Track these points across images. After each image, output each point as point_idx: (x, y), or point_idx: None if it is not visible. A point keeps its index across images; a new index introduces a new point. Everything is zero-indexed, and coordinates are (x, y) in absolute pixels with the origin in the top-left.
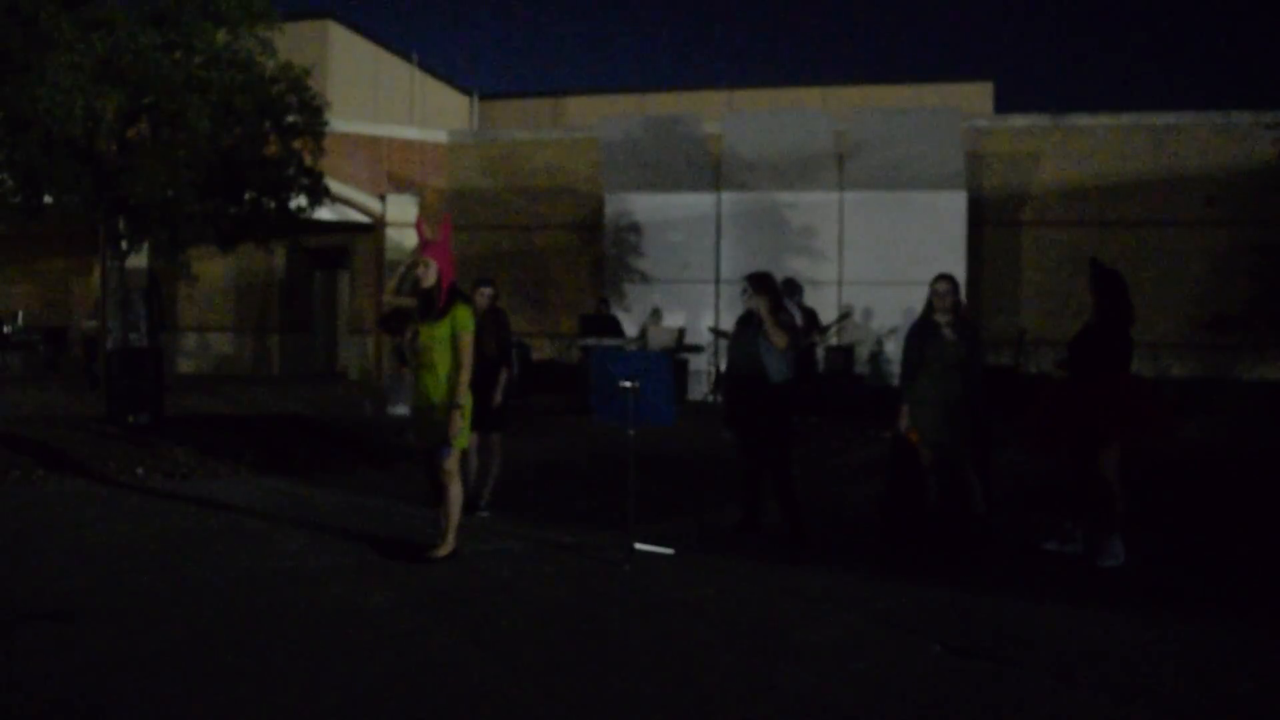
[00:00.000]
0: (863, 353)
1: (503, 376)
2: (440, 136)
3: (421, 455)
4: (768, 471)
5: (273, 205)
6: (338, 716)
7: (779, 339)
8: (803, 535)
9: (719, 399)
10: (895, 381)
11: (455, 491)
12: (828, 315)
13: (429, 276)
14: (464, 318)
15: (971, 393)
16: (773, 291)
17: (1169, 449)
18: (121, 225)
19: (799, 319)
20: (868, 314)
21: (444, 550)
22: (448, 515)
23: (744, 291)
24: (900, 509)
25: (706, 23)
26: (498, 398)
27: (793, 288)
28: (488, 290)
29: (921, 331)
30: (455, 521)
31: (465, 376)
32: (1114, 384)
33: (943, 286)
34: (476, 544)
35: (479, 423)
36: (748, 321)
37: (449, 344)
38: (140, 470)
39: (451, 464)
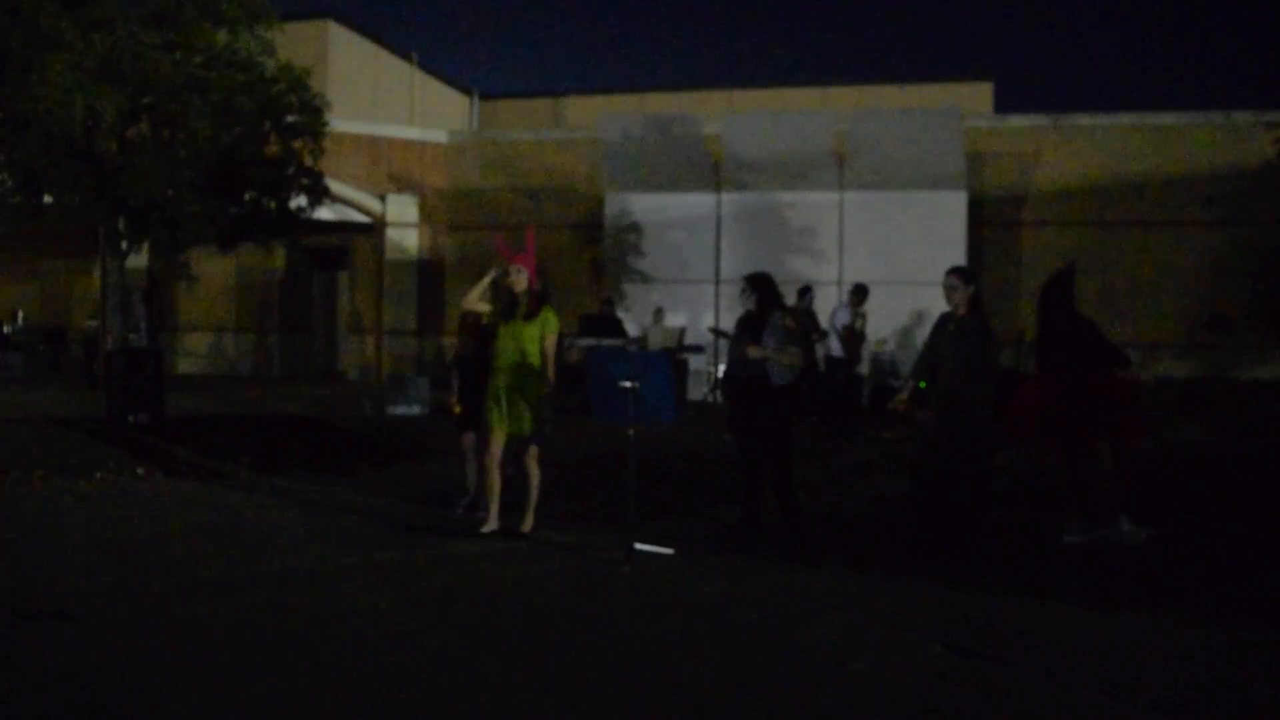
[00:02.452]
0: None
1: None
2: (440, 136)
3: (494, 445)
4: (767, 470)
5: (273, 205)
6: (337, 716)
7: (793, 358)
8: (801, 533)
9: (719, 398)
10: (896, 381)
11: (537, 476)
12: (828, 316)
13: (520, 282)
14: (552, 320)
15: (969, 391)
16: (767, 291)
17: (1172, 448)
18: (121, 225)
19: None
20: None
21: (527, 525)
22: (531, 497)
23: (742, 292)
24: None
25: (706, 23)
26: None
27: (804, 293)
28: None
29: (936, 326)
30: (535, 500)
31: (552, 370)
32: (1111, 383)
33: (947, 281)
34: (477, 544)
35: (475, 424)
36: (747, 323)
37: (538, 342)
38: (140, 470)
39: (538, 452)
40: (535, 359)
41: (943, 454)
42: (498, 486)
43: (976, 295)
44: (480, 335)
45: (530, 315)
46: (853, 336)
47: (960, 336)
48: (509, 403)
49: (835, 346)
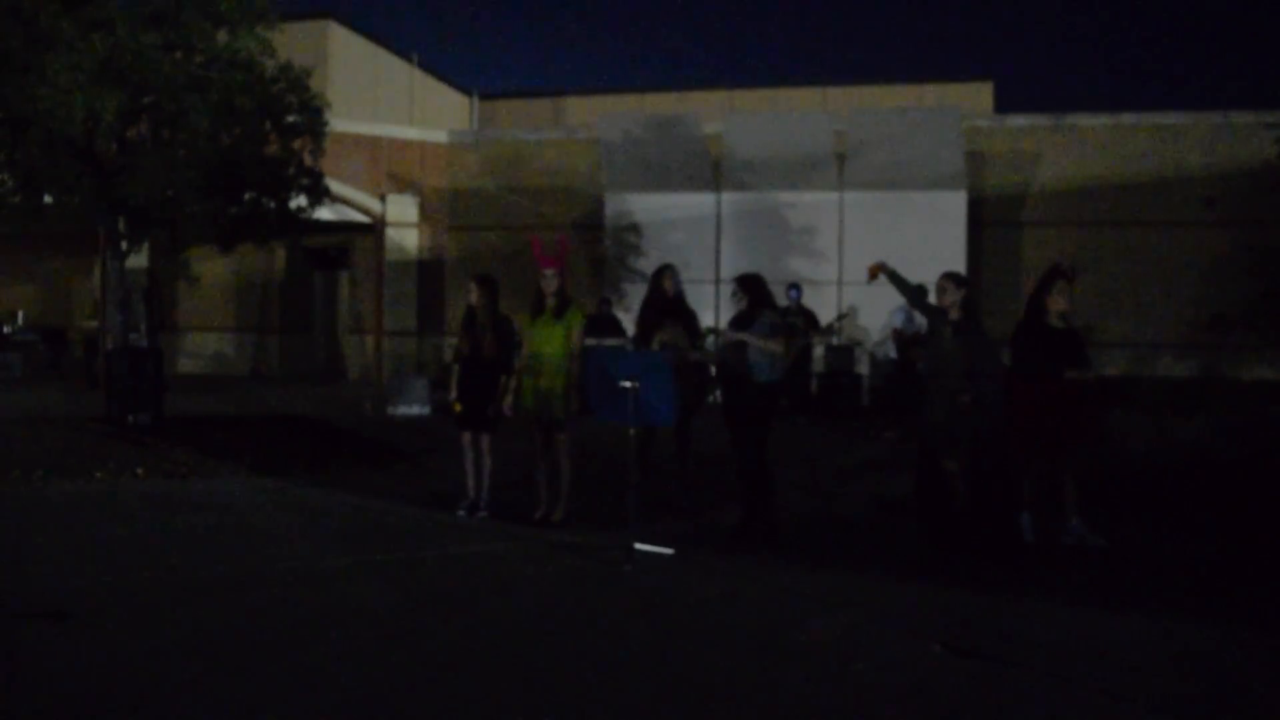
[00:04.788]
0: (863, 352)
1: (503, 382)
2: (440, 136)
3: (537, 437)
4: (744, 465)
5: (273, 205)
6: (337, 716)
7: (774, 346)
8: (773, 530)
9: (718, 398)
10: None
11: (568, 467)
12: (827, 315)
13: (553, 284)
14: (577, 317)
15: (977, 393)
16: (758, 292)
17: (1171, 448)
18: (121, 225)
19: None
20: (868, 314)
21: (559, 515)
22: (563, 488)
23: (734, 294)
24: (931, 511)
25: (706, 23)
26: (495, 407)
27: (790, 289)
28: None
29: (930, 330)
30: (567, 492)
31: (578, 364)
32: (1085, 387)
33: (939, 283)
34: (477, 544)
35: (472, 424)
36: (738, 323)
37: (565, 338)
38: (140, 470)
39: (567, 443)
40: (561, 352)
41: (958, 455)
42: (545, 474)
43: (969, 299)
44: (476, 335)
45: (558, 313)
46: (904, 340)
47: (960, 340)
48: (540, 393)
49: (891, 350)
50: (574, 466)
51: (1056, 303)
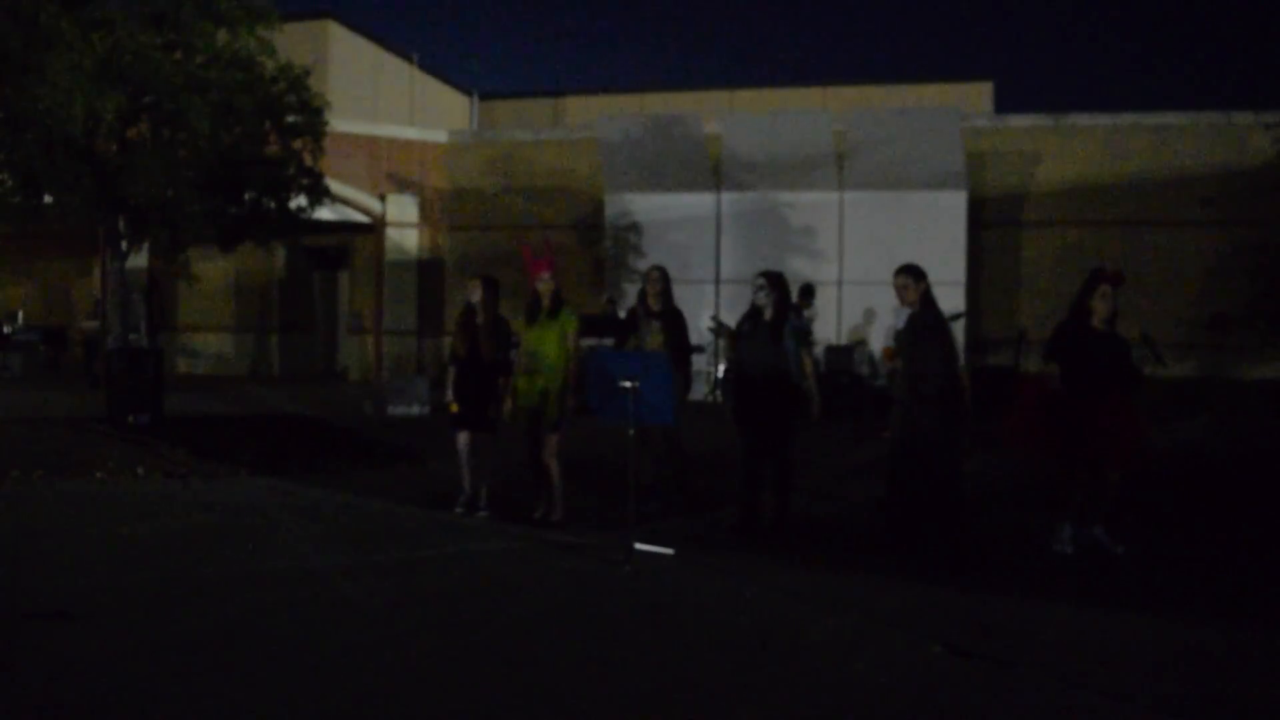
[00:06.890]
0: (863, 353)
1: (502, 383)
2: (440, 136)
3: (525, 438)
4: (771, 462)
5: (273, 205)
6: (337, 716)
7: (806, 360)
8: (783, 527)
9: (719, 398)
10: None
11: (557, 468)
12: (828, 314)
13: (550, 287)
14: (571, 321)
15: (930, 386)
16: (785, 291)
17: (1172, 448)
18: (121, 225)
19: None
20: (869, 314)
21: (557, 515)
22: (557, 488)
23: (760, 288)
24: (901, 510)
25: (706, 23)
26: (495, 408)
27: (807, 292)
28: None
29: (905, 326)
30: (561, 491)
31: (574, 366)
32: (1129, 403)
33: (897, 281)
34: (476, 544)
35: (470, 424)
36: (757, 320)
37: (559, 341)
38: (140, 470)
39: (556, 444)
40: (556, 355)
41: (916, 450)
42: (534, 475)
43: (927, 290)
44: (473, 336)
45: (552, 314)
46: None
47: (917, 332)
48: (536, 393)
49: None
50: (563, 468)
51: (1100, 307)
